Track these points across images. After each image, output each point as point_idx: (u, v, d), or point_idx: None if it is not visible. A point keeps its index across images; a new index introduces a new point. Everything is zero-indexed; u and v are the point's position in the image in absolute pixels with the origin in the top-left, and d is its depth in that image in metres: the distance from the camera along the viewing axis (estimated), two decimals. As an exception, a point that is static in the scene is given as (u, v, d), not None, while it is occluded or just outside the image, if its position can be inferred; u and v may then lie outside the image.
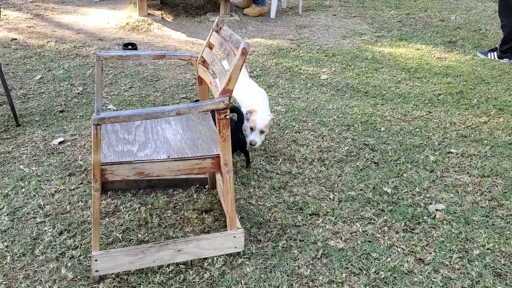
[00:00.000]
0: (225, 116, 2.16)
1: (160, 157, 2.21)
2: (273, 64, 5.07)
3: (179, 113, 2.02)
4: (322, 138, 3.59)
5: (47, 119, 3.69)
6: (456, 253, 2.48)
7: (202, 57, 2.57)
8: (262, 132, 3.19)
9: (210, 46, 2.56)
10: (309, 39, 5.98)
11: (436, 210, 2.81)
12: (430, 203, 2.87)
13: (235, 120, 3.07)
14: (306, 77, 4.79)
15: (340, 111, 4.05)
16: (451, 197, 2.94)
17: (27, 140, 3.38)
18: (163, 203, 2.80)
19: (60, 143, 3.36)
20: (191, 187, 2.97)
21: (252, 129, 3.17)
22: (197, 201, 2.85)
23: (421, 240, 2.57)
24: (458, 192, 3.00)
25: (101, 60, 2.43)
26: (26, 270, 2.28)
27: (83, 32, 5.69)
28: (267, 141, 3.51)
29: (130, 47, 4.96)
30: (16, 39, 5.29)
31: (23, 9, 6.30)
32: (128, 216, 2.68)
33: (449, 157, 3.40)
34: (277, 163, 3.25)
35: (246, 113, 3.20)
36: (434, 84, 4.70)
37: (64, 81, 4.35)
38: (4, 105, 3.82)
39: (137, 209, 2.74)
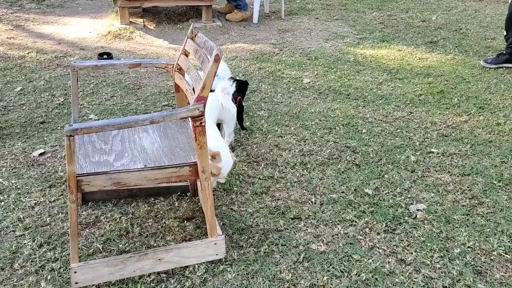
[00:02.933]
0: (201, 123, 2.16)
1: (137, 167, 2.20)
2: (256, 69, 5.07)
3: (153, 121, 2.01)
4: (304, 142, 3.60)
5: (27, 130, 3.66)
6: (437, 252, 2.49)
7: (178, 65, 2.57)
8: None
9: (186, 53, 2.56)
10: (291, 43, 6.00)
11: (417, 210, 2.82)
12: (411, 203, 2.89)
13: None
14: (289, 81, 4.80)
15: (322, 114, 4.06)
16: (432, 197, 2.96)
17: (6, 152, 3.35)
18: (144, 212, 2.79)
19: (41, 154, 3.33)
20: (173, 195, 2.96)
21: (214, 175, 2.66)
22: (178, 209, 2.84)
23: (402, 240, 2.58)
24: (439, 192, 3.01)
25: (76, 71, 2.42)
26: (4, 285, 2.26)
27: (64, 42, 5.66)
28: (249, 147, 3.51)
29: (105, 56, 4.94)
30: (-4, 51, 5.27)
31: (3, 20, 6.25)
32: (109, 227, 2.66)
33: (430, 156, 3.42)
34: (259, 168, 3.25)
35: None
36: (415, 85, 4.73)
37: (45, 92, 4.33)
38: (-16, 118, 3.79)
39: (118, 219, 2.72)
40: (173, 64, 2.60)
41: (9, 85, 4.46)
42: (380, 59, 5.46)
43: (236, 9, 6.91)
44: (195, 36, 2.49)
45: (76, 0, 7.54)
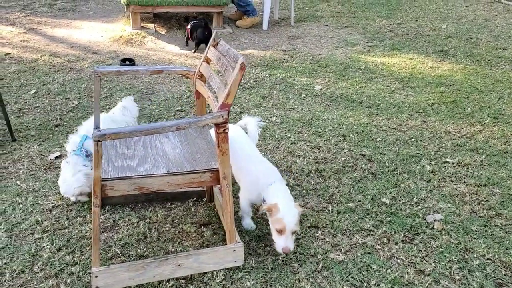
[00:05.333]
0: (224, 130, 2.17)
1: (160, 172, 2.20)
2: (266, 76, 5.08)
3: (180, 128, 2.02)
4: (319, 149, 3.60)
5: (42, 133, 3.68)
6: (456, 263, 2.49)
7: (200, 72, 2.58)
8: (293, 232, 2.41)
9: (207, 61, 2.57)
10: (301, 50, 6.01)
11: (435, 220, 2.82)
12: (428, 213, 2.89)
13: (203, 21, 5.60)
14: (300, 87, 4.81)
15: (335, 121, 4.07)
16: (448, 207, 2.95)
17: (23, 155, 3.36)
18: (161, 217, 2.79)
19: (57, 157, 3.34)
20: (189, 200, 2.97)
21: (280, 231, 2.37)
22: (195, 214, 2.84)
23: (421, 250, 2.58)
24: (455, 202, 3.01)
25: (99, 76, 2.43)
26: (25, 288, 2.27)
27: (76, 46, 5.68)
28: (262, 153, 3.51)
29: (127, 62, 4.96)
30: (10, 53, 5.28)
31: (16, 24, 6.28)
32: (127, 231, 2.66)
33: (445, 166, 3.42)
34: (274, 175, 3.25)
35: (263, 212, 2.51)
36: (428, 94, 4.73)
37: (59, 95, 4.34)
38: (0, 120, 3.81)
39: (136, 224, 2.73)
40: (195, 71, 2.61)
41: (23, 87, 4.48)
42: (391, 67, 5.47)
43: (245, 15, 6.94)
44: (217, 44, 2.50)
45: (87, 4, 7.57)
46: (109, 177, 2.10)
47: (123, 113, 3.16)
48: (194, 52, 5.70)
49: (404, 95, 4.68)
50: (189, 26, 5.72)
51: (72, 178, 2.75)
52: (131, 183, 2.13)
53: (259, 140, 3.64)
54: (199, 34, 5.58)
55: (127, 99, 3.25)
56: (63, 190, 2.80)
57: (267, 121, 4.03)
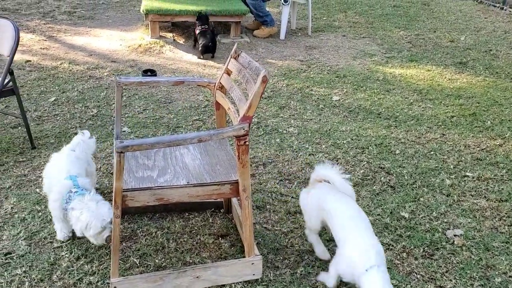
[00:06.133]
0: (245, 142, 2.17)
1: (180, 183, 2.21)
2: (284, 85, 5.08)
3: (201, 140, 2.03)
4: (337, 161, 3.58)
5: (62, 141, 3.70)
6: (478, 280, 2.45)
7: (220, 83, 2.58)
8: None
9: (228, 72, 2.57)
10: (319, 60, 6.01)
11: (455, 235, 2.78)
12: (448, 228, 2.85)
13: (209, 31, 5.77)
14: (318, 98, 4.80)
15: (353, 133, 4.05)
16: (469, 222, 2.92)
17: (42, 163, 3.39)
18: (179, 227, 2.79)
19: (76, 166, 3.36)
20: (207, 211, 2.96)
21: None
22: (212, 225, 2.84)
23: (441, 266, 2.54)
24: (476, 217, 2.97)
25: (121, 86, 2.45)
26: (44, 297, 2.28)
27: (95, 54, 5.74)
28: (280, 164, 3.50)
29: (149, 73, 5.00)
30: (30, 61, 5.35)
31: (36, 31, 6.37)
32: (145, 241, 2.67)
33: (465, 180, 3.38)
34: (291, 186, 3.24)
35: None
36: (447, 106, 4.69)
37: (78, 103, 4.38)
38: (19, 127, 3.84)
39: (154, 234, 2.73)
40: (215, 83, 2.62)
41: (43, 95, 4.53)
42: (409, 78, 5.44)
43: (263, 25, 6.95)
44: (238, 56, 2.51)
45: (106, 13, 7.65)
46: (129, 187, 2.11)
47: (83, 148, 2.91)
48: (202, 58, 5.86)
49: (422, 107, 4.65)
50: (197, 31, 5.85)
51: (98, 205, 2.40)
52: (151, 194, 2.14)
53: (276, 150, 3.64)
54: (203, 45, 5.72)
55: (84, 133, 3.07)
56: (98, 223, 2.35)
57: (285, 131, 4.02)
